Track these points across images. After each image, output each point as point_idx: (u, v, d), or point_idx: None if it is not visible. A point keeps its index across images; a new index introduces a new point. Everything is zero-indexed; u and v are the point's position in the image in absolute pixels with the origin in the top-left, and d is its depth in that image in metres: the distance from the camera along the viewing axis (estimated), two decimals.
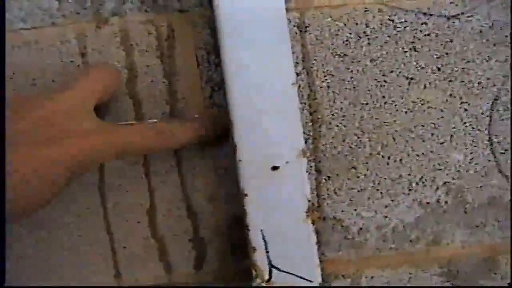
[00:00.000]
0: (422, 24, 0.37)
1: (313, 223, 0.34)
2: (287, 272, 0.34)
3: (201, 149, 0.38)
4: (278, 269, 0.34)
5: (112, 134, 0.31)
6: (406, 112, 0.38)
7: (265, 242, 0.33)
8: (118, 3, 0.37)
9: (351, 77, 0.37)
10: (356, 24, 0.37)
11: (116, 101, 0.37)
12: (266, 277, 0.34)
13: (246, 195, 0.33)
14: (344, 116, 0.37)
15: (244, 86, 0.32)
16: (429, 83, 0.37)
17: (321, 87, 0.37)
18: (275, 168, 0.33)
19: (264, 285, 0.34)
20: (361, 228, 0.38)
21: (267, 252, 0.33)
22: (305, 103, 0.37)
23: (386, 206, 0.38)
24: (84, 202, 0.39)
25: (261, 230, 0.33)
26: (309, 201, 0.33)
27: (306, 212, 0.33)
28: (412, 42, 0.37)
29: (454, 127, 0.38)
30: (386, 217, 0.38)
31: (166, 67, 0.37)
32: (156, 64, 0.37)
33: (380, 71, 0.37)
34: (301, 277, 0.34)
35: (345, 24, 0.37)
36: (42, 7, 0.37)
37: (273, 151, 0.32)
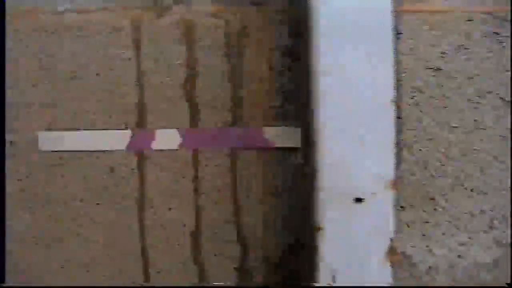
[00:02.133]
0: None
1: (392, 266, 0.29)
2: None
3: (261, 166, 0.34)
4: None
5: None
6: (499, 140, 0.33)
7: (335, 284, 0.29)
8: None
9: (443, 95, 0.32)
10: (456, 34, 0.32)
11: (170, 103, 0.33)
12: None
13: (320, 228, 0.28)
14: (429, 139, 0.32)
15: (335, 100, 0.27)
16: None
17: (408, 104, 0.32)
18: (358, 200, 0.28)
19: None
20: (430, 267, 0.34)
21: None
22: None
23: (461, 244, 0.34)
24: (117, 217, 0.34)
25: (333, 270, 0.28)
26: (391, 240, 0.28)
27: (386, 253, 0.29)
28: None
29: None
30: (460, 256, 0.34)
31: (232, 68, 0.33)
32: (221, 64, 0.32)
33: (476, 90, 0.32)
34: None
35: (443, 34, 0.32)
36: None
37: (358, 179, 0.28)
